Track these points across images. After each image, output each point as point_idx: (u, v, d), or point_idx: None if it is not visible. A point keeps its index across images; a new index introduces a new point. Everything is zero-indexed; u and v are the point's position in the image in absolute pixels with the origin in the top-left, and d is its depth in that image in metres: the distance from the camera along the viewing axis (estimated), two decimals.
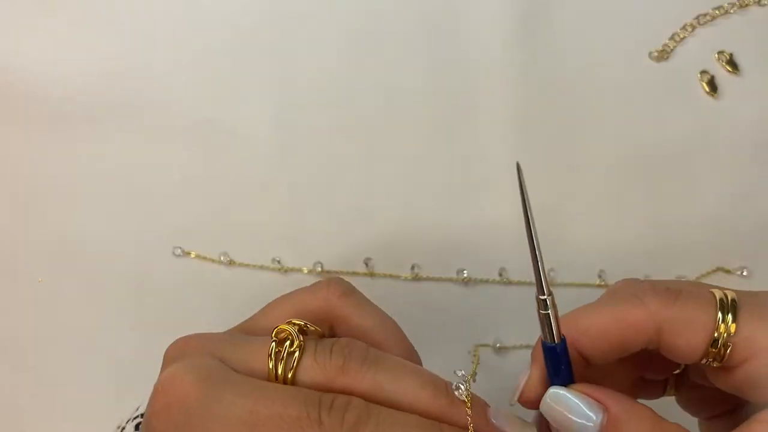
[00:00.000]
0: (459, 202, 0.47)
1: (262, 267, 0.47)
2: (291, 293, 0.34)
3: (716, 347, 0.28)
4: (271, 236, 0.47)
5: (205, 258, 0.47)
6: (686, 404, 0.35)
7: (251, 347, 0.30)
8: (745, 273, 0.45)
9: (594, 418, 0.28)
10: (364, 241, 0.47)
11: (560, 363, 0.29)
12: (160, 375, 0.30)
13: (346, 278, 0.46)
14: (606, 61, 0.48)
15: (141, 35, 0.49)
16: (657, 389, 0.35)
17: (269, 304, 0.34)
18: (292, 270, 0.47)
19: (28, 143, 0.49)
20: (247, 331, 0.33)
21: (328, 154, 0.48)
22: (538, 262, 0.28)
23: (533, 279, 0.47)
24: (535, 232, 0.29)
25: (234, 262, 0.47)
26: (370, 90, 0.48)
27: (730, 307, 0.28)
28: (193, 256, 0.47)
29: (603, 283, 0.45)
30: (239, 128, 0.48)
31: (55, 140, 0.48)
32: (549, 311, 0.29)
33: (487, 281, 0.46)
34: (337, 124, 0.48)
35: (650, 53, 0.48)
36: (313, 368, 0.29)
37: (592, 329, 0.29)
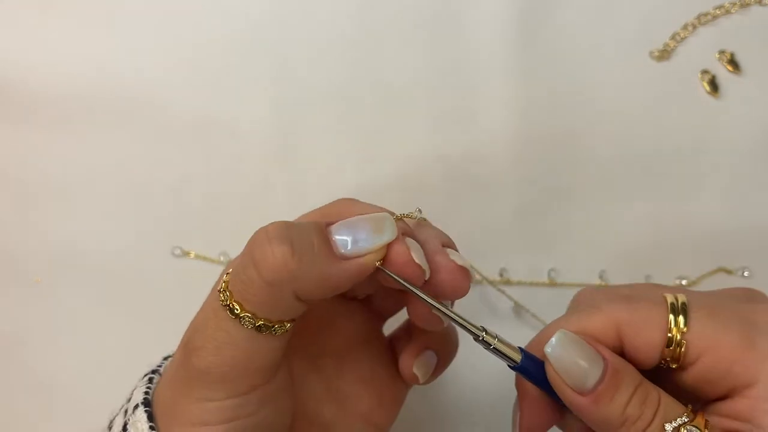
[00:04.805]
0: (459, 202, 0.47)
1: None
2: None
3: (671, 346, 0.29)
4: None
5: (204, 258, 0.47)
6: None
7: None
8: (746, 273, 0.45)
9: (597, 364, 0.29)
10: None
11: (538, 371, 0.30)
12: None
13: None
14: (607, 60, 0.48)
15: (141, 36, 0.49)
16: None
17: None
18: None
19: (27, 143, 0.48)
20: None
21: (328, 153, 0.48)
22: (453, 317, 0.29)
23: (534, 279, 0.47)
24: (432, 297, 0.29)
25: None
26: (369, 90, 0.48)
27: (680, 309, 0.30)
28: (192, 255, 0.47)
29: (604, 283, 0.45)
30: (239, 128, 0.48)
31: (55, 140, 0.48)
32: (494, 344, 0.29)
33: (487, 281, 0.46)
34: (337, 124, 0.48)
35: (651, 53, 0.48)
36: None
37: None
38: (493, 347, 0.29)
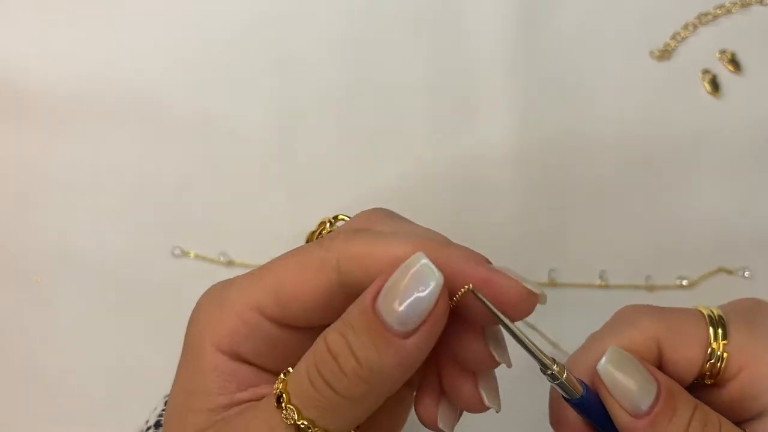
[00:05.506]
0: (459, 203, 0.47)
1: None
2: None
3: (712, 360, 0.28)
4: (270, 236, 0.47)
5: (204, 258, 0.47)
6: None
7: None
8: (747, 274, 0.45)
9: (650, 384, 0.27)
10: None
11: (592, 404, 0.28)
12: None
13: None
14: (607, 60, 0.48)
15: (141, 36, 0.49)
16: None
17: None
18: None
19: (27, 143, 0.48)
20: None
21: (328, 153, 0.48)
22: (528, 345, 0.26)
23: (534, 279, 0.46)
24: (514, 326, 0.26)
25: (233, 262, 0.47)
26: (369, 90, 0.48)
27: (718, 322, 0.29)
28: (192, 256, 0.47)
29: (604, 283, 0.45)
30: (239, 128, 0.48)
31: (55, 140, 0.48)
32: (562, 379, 0.27)
33: None
34: (337, 124, 0.48)
35: (652, 52, 0.48)
36: None
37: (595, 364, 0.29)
38: (560, 382, 0.27)
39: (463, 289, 0.25)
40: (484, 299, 0.25)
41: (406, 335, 0.24)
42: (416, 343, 0.24)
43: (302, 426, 0.25)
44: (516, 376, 0.42)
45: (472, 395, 0.27)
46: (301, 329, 0.28)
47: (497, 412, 0.28)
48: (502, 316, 0.25)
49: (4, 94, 0.49)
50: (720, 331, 0.28)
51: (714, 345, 0.28)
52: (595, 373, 0.28)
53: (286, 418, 0.25)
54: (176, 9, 0.49)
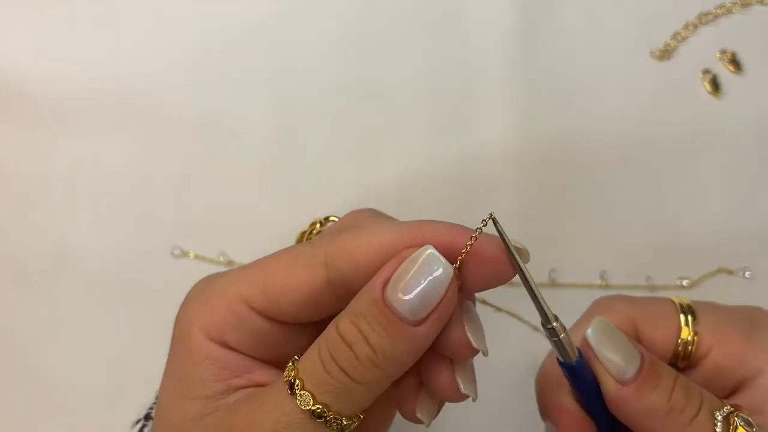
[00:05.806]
0: (460, 202, 0.47)
1: None
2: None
3: (684, 341, 0.30)
4: (270, 236, 0.47)
5: (203, 258, 0.47)
6: None
7: None
8: (747, 274, 0.45)
9: (634, 354, 0.29)
10: None
11: (585, 375, 0.29)
12: None
13: None
14: (608, 60, 0.48)
15: (141, 36, 0.49)
16: None
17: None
18: None
19: (27, 143, 0.48)
20: None
21: (328, 153, 0.48)
22: (538, 296, 0.27)
23: (534, 279, 0.46)
24: (526, 270, 0.27)
25: (233, 262, 0.47)
26: (369, 90, 0.48)
27: (687, 309, 0.31)
28: (191, 256, 0.47)
29: (605, 283, 0.45)
30: (238, 128, 0.48)
31: (54, 140, 0.48)
32: (561, 337, 0.28)
33: None
34: (337, 124, 0.48)
35: (652, 52, 0.48)
36: None
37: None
38: (557, 340, 0.28)
39: (485, 219, 0.27)
40: (501, 229, 0.27)
41: (417, 323, 0.25)
42: (426, 330, 0.26)
43: (317, 410, 0.26)
44: (514, 379, 0.43)
45: (449, 383, 0.28)
46: (289, 325, 0.29)
47: (474, 400, 0.29)
48: (515, 253, 0.27)
49: (4, 94, 0.49)
50: (689, 316, 0.31)
51: (685, 328, 0.30)
52: (583, 345, 0.29)
53: (301, 404, 0.26)
54: (176, 9, 0.49)
